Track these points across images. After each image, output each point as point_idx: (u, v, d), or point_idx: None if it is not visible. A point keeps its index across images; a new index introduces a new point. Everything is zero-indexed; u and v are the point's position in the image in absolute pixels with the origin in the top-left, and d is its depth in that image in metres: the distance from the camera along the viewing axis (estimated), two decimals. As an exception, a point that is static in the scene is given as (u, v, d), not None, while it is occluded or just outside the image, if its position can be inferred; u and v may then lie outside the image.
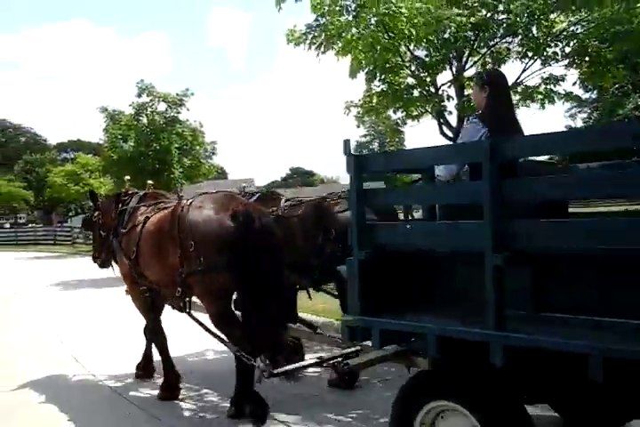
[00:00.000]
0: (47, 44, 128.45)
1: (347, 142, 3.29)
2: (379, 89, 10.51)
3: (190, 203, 4.64)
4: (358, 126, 13.09)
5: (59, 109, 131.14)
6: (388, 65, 9.75)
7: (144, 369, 5.81)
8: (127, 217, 5.49)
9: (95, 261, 6.28)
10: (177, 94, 21.82)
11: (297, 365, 4.09)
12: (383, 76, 9.96)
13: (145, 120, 21.61)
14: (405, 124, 11.38)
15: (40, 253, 28.07)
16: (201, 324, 4.72)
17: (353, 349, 3.75)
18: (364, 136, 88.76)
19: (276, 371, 3.94)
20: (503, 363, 2.60)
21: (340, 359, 3.67)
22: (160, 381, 5.32)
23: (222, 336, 4.52)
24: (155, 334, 5.36)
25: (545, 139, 2.72)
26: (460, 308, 3.04)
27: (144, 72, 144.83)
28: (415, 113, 10.71)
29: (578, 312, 2.72)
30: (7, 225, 45.35)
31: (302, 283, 5.18)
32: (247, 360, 4.18)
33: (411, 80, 10.41)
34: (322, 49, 9.81)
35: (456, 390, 2.85)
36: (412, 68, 10.29)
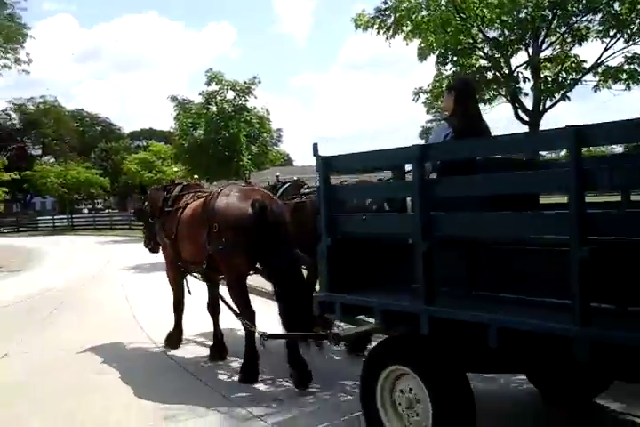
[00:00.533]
0: (124, 36, 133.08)
1: (315, 145, 3.89)
2: (449, 72, 10.28)
3: (219, 192, 5.42)
4: (428, 112, 12.88)
5: (132, 99, 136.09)
6: (459, 47, 9.52)
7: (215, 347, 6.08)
8: (170, 203, 6.27)
9: (147, 247, 7.09)
10: (245, 82, 22.12)
11: (295, 334, 4.74)
12: (454, 59, 9.73)
13: (214, 108, 22.04)
14: (478, 108, 11.07)
15: (117, 238, 29.42)
16: (219, 294, 5.78)
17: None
18: (430, 122, 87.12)
19: (269, 334, 4.57)
20: (429, 332, 3.11)
21: (334, 332, 4.35)
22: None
23: (234, 307, 5.30)
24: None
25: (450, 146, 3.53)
26: (400, 286, 3.57)
27: (213, 61, 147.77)
28: (488, 96, 10.40)
29: (487, 289, 3.20)
30: (86, 210, 47.80)
31: (307, 261, 5.42)
32: (249, 327, 4.99)
33: (483, 62, 10.11)
34: (390, 32, 9.68)
35: (407, 357, 3.34)
36: (485, 50, 9.99)
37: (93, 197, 59.33)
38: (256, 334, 4.83)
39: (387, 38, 9.70)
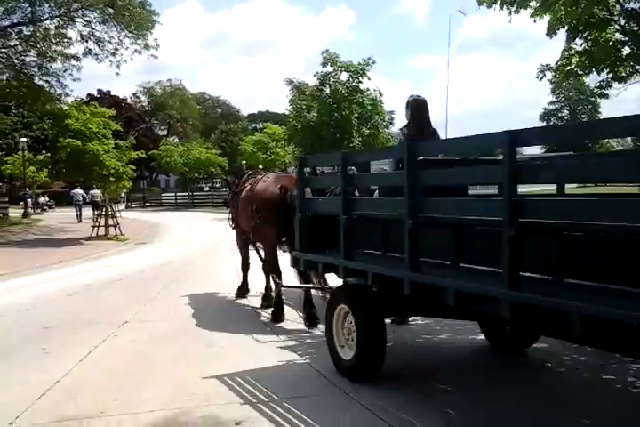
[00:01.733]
0: (246, 21, 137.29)
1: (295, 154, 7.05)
2: (580, 48, 9.44)
3: (261, 179, 7.14)
4: (553, 91, 12.04)
5: (252, 82, 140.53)
6: (592, 20, 8.70)
7: (264, 299, 7.59)
8: (237, 187, 7.97)
9: (230, 225, 8.44)
10: (359, 64, 21.95)
11: (303, 285, 6.48)
12: (587, 33, 8.91)
13: (328, 90, 22.14)
14: (610, 86, 10.08)
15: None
16: (259, 255, 7.63)
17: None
18: (553, 103, 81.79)
19: (287, 285, 6.62)
20: (370, 282, 4.38)
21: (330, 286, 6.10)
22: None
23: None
24: (269, 267, 7.20)
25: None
26: (353, 249, 4.64)
27: (330, 45, 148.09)
28: (624, 74, 9.45)
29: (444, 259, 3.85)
30: (206, 188, 50.29)
31: None
32: (276, 280, 6.75)
33: (619, 36, 9.18)
34: (514, 7, 9.05)
35: (346, 300, 4.81)
36: (622, 23, 9.06)
37: (213, 176, 62.28)
38: (280, 283, 6.71)
39: (510, 13, 9.07)
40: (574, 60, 9.46)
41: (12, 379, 4.83)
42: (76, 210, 27.88)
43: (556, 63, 10.11)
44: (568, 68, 9.62)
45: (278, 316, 6.77)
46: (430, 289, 3.75)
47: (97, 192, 27.73)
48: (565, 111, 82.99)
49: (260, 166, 25.84)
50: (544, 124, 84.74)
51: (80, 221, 26.36)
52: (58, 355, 5.53)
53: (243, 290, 8.26)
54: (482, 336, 5.62)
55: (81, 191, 29.11)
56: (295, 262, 5.55)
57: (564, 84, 11.56)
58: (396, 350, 5.17)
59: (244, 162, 39.19)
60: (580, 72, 9.75)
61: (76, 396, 4.39)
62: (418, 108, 5.41)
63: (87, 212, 26.26)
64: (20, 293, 9.25)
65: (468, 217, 3.59)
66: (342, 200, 4.62)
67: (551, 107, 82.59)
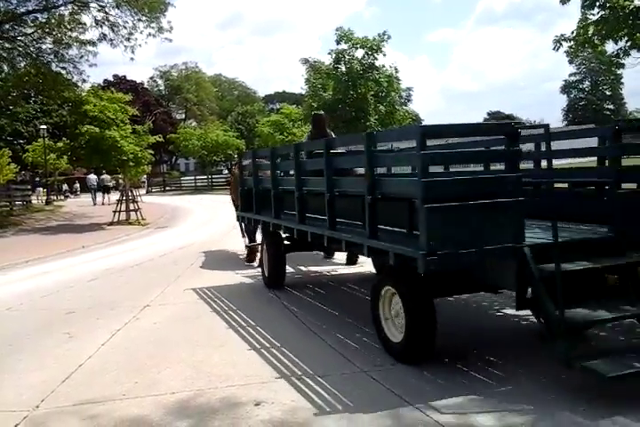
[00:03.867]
0: (259, 0, 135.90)
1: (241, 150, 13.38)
2: (597, 16, 9.12)
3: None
4: (571, 62, 11.68)
5: (268, 63, 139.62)
6: (609, -15, 8.39)
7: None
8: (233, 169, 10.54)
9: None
10: (374, 39, 21.66)
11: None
12: (603, 1, 8.60)
13: (343, 68, 21.93)
14: (628, 55, 9.75)
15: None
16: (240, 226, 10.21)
17: None
18: (573, 75, 79.84)
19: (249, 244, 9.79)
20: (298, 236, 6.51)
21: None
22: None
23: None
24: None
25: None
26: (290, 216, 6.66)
27: (346, 21, 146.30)
28: (644, 43, 9.14)
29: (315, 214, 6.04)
30: (225, 171, 50.23)
31: None
32: (248, 242, 9.85)
33: (638, 2, 8.84)
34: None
35: (393, 281, 4.76)
36: (642, -12, 8.72)
37: (231, 158, 62.45)
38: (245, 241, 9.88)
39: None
40: (591, 29, 9.14)
41: (37, 363, 4.95)
42: (92, 194, 30.10)
43: (572, 33, 9.77)
44: (584, 36, 9.29)
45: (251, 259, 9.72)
46: (308, 234, 6.13)
47: (107, 177, 30.74)
48: (587, 83, 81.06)
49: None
50: (565, 96, 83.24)
51: (95, 204, 28.63)
52: (81, 339, 5.65)
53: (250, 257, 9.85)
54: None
55: (95, 176, 30.42)
56: (237, 218, 9.39)
57: (585, 54, 11.20)
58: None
59: (263, 144, 39.13)
60: (596, 41, 9.43)
61: (98, 379, 4.49)
62: (317, 120, 8.50)
63: (114, 196, 27.03)
64: (44, 278, 9.45)
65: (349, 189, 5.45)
66: (271, 179, 7.12)
67: (572, 79, 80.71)
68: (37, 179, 35.05)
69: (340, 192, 5.42)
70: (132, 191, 19.91)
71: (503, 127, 4.64)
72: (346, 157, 5.99)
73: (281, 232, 7.42)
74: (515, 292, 4.25)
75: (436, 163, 5.03)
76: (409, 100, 27.19)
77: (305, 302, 6.89)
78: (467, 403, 3.70)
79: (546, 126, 4.26)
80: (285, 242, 7.77)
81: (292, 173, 6.81)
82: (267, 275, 7.81)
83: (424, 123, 71.02)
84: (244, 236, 9.96)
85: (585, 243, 4.45)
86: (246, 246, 9.89)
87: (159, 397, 4.06)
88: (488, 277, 4.57)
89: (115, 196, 30.19)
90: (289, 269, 8.32)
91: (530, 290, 4.13)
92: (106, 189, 31.12)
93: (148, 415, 3.76)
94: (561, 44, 10.13)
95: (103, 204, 28.58)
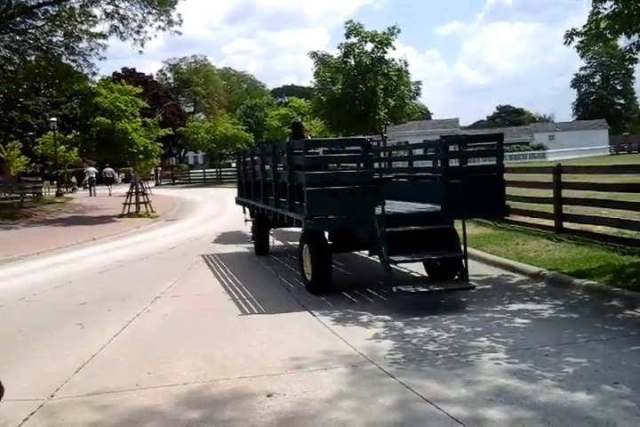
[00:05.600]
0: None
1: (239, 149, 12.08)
2: (609, 10, 8.97)
3: None
4: (582, 56, 11.51)
5: (277, 56, 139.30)
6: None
7: None
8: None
9: None
10: (383, 33, 21.54)
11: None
12: (616, -8, 8.43)
13: (352, 62, 21.83)
14: (640, 50, 9.57)
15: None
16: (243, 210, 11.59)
17: None
18: (584, 69, 79.17)
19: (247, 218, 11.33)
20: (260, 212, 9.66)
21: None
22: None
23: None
24: None
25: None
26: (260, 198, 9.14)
27: (356, 15, 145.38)
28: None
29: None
30: (234, 164, 50.26)
31: None
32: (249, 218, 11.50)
33: (653, -4, 8.68)
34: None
35: (305, 240, 7.35)
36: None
37: (240, 150, 62.47)
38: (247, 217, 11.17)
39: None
40: (602, 23, 8.99)
41: (51, 353, 5.02)
42: (90, 186, 31.97)
43: (584, 27, 9.62)
44: (595, 31, 9.14)
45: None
46: (266, 211, 8.97)
47: (109, 169, 33.64)
48: (597, 77, 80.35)
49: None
50: (575, 90, 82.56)
51: (91, 195, 30.43)
52: (93, 330, 5.72)
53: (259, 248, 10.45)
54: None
55: (94, 169, 33.29)
56: (236, 201, 11.72)
57: (595, 48, 10.98)
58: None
59: (271, 137, 39.13)
60: (608, 35, 9.28)
61: (111, 369, 4.55)
62: (296, 128, 10.66)
63: (122, 189, 27.35)
64: (56, 269, 9.54)
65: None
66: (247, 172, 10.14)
67: (582, 73, 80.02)
68: (46, 171, 35.73)
69: (280, 182, 7.85)
70: (141, 184, 19.98)
71: (360, 141, 7.51)
72: (280, 157, 7.99)
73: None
74: (371, 244, 6.78)
75: (314, 164, 6.97)
76: (418, 94, 26.92)
77: (273, 261, 9.61)
78: (341, 311, 6.11)
79: (384, 139, 7.41)
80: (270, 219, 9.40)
81: (268, 167, 8.62)
82: (255, 246, 10.34)
83: (433, 117, 70.51)
84: (244, 212, 11.55)
85: (419, 214, 7.09)
86: (245, 220, 11.39)
87: (171, 387, 4.11)
88: (360, 238, 7.13)
89: (117, 188, 30.79)
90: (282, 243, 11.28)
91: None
92: (108, 182, 32.70)
93: (161, 406, 3.81)
94: (572, 39, 9.92)
95: (110, 195, 29.42)
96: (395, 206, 7.52)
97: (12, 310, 6.80)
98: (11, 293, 7.66)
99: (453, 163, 7.37)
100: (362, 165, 6.88)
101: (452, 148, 7.44)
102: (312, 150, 7.39)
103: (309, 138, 11.38)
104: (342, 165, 8.74)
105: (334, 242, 7.35)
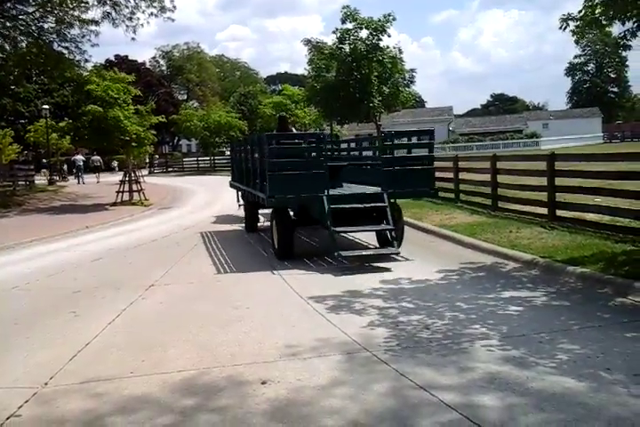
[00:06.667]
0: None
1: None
2: (603, -4, 8.88)
3: None
4: (577, 42, 11.45)
5: (270, 43, 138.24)
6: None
7: None
8: None
9: None
10: (379, 20, 21.36)
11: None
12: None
13: (347, 48, 21.66)
14: (635, 36, 9.50)
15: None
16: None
17: None
18: (578, 57, 79.02)
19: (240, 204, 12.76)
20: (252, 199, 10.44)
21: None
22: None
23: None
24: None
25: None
26: (244, 181, 11.01)
27: (351, 2, 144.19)
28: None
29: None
30: (227, 152, 50.12)
31: None
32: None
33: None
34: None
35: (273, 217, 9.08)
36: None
37: (233, 139, 62.18)
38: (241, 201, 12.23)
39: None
40: (598, 9, 8.92)
41: (45, 341, 5.01)
42: (78, 173, 32.39)
43: (579, 12, 9.54)
44: (590, 16, 9.07)
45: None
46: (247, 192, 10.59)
47: (97, 157, 34.88)
48: (591, 65, 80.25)
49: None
50: (569, 79, 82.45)
51: (79, 183, 31.11)
52: (87, 318, 5.71)
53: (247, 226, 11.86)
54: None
55: (81, 157, 33.49)
56: (230, 185, 13.18)
57: (590, 35, 10.88)
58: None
59: (265, 125, 38.98)
60: (604, 22, 9.21)
61: (105, 357, 4.55)
62: (281, 120, 11.54)
63: (110, 178, 27.18)
64: (50, 258, 9.51)
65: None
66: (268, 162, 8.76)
67: (576, 61, 79.89)
68: (44, 160, 35.75)
69: (254, 168, 9.60)
70: (134, 172, 19.86)
71: (315, 135, 11.77)
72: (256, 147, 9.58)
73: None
74: (321, 219, 8.49)
75: (277, 154, 8.39)
76: (412, 82, 26.76)
77: (259, 237, 11.05)
78: (299, 270, 7.78)
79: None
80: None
81: (256, 155, 9.64)
82: (245, 224, 11.87)
83: (427, 105, 70.21)
84: (237, 197, 12.74)
85: (360, 195, 8.76)
86: (238, 204, 12.63)
87: (166, 375, 4.11)
88: (315, 215, 8.76)
89: (110, 176, 30.83)
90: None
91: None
92: (96, 169, 33.89)
93: (156, 393, 3.81)
94: (567, 24, 9.86)
95: (98, 182, 30.39)
96: (350, 189, 9.35)
97: (6, 299, 6.77)
98: (4, 281, 7.64)
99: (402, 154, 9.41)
100: (314, 154, 8.52)
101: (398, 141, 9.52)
102: (276, 142, 8.73)
103: (294, 130, 12.79)
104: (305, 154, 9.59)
105: (297, 218, 9.24)
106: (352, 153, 12.78)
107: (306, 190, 8.14)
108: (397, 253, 8.05)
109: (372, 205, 8.34)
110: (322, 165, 8.32)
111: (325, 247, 8.91)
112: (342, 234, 8.93)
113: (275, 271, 7.66)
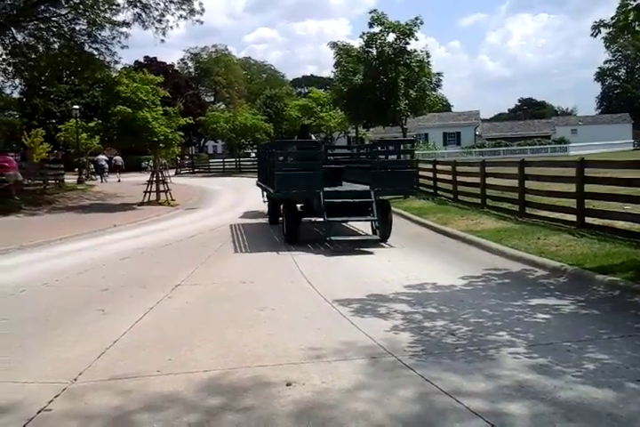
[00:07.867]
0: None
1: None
2: (638, 1, 8.72)
3: None
4: (607, 48, 11.28)
5: (298, 46, 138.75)
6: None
7: None
8: None
9: None
10: (406, 24, 21.25)
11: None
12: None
13: (374, 52, 21.58)
14: (669, 42, 9.32)
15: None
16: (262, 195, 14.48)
17: None
18: (608, 62, 77.64)
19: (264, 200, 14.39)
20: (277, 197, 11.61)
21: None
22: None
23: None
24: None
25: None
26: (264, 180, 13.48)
27: (377, 5, 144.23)
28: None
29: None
30: (252, 154, 50.55)
31: None
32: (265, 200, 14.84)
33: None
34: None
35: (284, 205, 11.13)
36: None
37: (259, 141, 62.52)
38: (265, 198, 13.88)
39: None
40: (631, 15, 8.74)
41: (74, 338, 5.10)
42: (101, 172, 33.88)
43: (612, 19, 9.37)
44: (623, 22, 8.90)
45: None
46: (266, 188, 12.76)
47: (118, 158, 36.62)
48: (622, 70, 78.78)
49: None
50: (599, 84, 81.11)
51: (102, 181, 32.47)
52: (115, 316, 5.79)
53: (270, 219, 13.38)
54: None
55: (104, 157, 34.95)
56: (256, 184, 15.01)
57: (621, 41, 10.67)
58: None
59: (290, 128, 39.09)
60: (637, 28, 9.04)
61: (133, 355, 4.61)
62: (303, 128, 13.90)
63: (132, 178, 27.55)
64: (78, 256, 9.68)
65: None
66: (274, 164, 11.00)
67: (607, 66, 78.50)
68: (77, 159, 36.64)
69: (269, 168, 11.54)
70: (162, 172, 20.12)
71: (314, 142, 12.34)
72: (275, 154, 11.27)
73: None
74: (318, 211, 10.17)
75: (284, 157, 11.34)
76: (439, 86, 26.43)
77: (279, 228, 12.04)
78: (303, 253, 9.54)
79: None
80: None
81: (281, 159, 11.34)
82: (268, 217, 13.52)
83: (453, 109, 69.70)
84: (262, 195, 14.13)
85: (351, 191, 10.66)
86: (263, 201, 14.00)
87: (192, 374, 4.15)
88: (315, 208, 10.28)
89: (137, 177, 31.32)
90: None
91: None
92: (116, 169, 35.61)
93: (182, 392, 3.86)
94: (599, 31, 9.71)
95: (119, 181, 32.32)
96: (345, 187, 11.26)
97: (36, 295, 6.91)
98: (34, 277, 7.79)
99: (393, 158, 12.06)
100: (313, 158, 10.57)
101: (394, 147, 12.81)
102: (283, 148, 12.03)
103: (313, 138, 14.18)
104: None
105: (303, 210, 10.89)
106: (353, 157, 14.96)
107: (305, 187, 10.02)
108: (381, 241, 9.96)
109: (360, 200, 10.10)
110: (319, 167, 10.26)
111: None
112: (344, 224, 11.32)
113: (280, 252, 9.53)
